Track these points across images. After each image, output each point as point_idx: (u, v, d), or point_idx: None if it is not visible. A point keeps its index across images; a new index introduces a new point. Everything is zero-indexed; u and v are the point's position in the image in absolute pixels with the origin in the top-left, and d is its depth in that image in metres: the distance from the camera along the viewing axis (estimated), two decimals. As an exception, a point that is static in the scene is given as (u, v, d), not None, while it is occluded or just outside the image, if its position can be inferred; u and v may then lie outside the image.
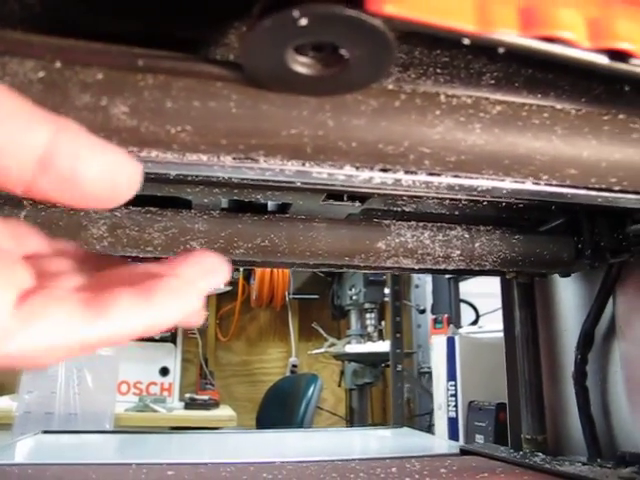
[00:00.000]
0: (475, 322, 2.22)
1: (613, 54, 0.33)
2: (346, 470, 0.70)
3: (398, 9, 0.28)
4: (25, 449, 0.92)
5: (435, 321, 2.15)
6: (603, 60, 0.34)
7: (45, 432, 1.07)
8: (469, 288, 2.33)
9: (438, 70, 0.45)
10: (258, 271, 2.52)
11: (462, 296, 2.32)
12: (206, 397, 2.23)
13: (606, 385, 0.84)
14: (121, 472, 0.68)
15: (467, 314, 2.30)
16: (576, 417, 0.84)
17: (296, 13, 0.29)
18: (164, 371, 2.32)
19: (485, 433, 1.19)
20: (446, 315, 2.11)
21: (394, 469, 0.70)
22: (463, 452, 0.86)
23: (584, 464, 0.72)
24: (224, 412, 2.21)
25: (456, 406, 1.34)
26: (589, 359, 0.84)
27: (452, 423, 1.35)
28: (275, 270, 2.51)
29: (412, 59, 0.44)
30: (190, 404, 2.19)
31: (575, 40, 0.31)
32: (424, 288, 2.69)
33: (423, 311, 2.66)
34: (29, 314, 0.23)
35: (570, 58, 0.34)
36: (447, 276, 2.19)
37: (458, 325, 2.09)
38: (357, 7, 0.29)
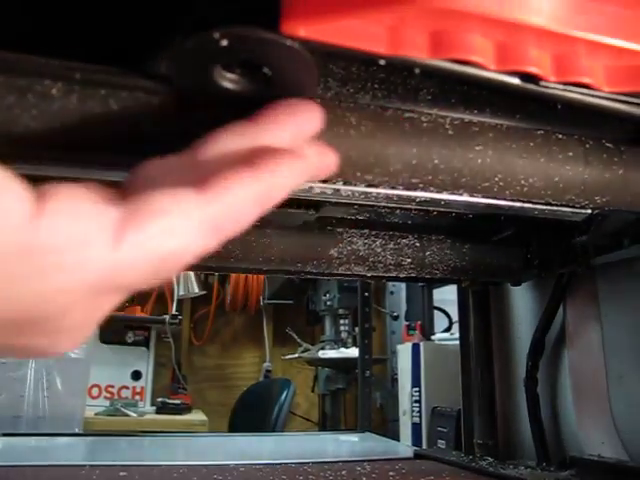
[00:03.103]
0: (448, 329, 2.24)
1: (524, 76, 0.36)
2: (297, 473, 0.71)
3: (312, 32, 0.30)
4: (-18, 451, 0.92)
5: (408, 328, 2.17)
6: (514, 81, 0.36)
7: (5, 435, 1.07)
8: (444, 295, 2.35)
9: (376, 85, 0.47)
10: (233, 275, 2.53)
11: (437, 303, 2.34)
12: (178, 401, 2.22)
13: (555, 392, 0.86)
14: (73, 473, 0.69)
15: (442, 321, 2.32)
16: (527, 422, 0.86)
17: (216, 35, 0.30)
18: (136, 375, 2.32)
19: (447, 438, 1.22)
20: (419, 322, 2.13)
21: (344, 472, 0.72)
22: (417, 456, 0.88)
23: (528, 467, 0.74)
24: (196, 417, 2.21)
25: (420, 412, 1.36)
26: (540, 366, 0.87)
27: (416, 428, 1.37)
28: (250, 275, 2.52)
29: (350, 74, 0.46)
30: (162, 408, 2.18)
31: (482, 63, 0.33)
32: (399, 295, 2.71)
33: (397, 317, 2.68)
34: (137, 209, 0.24)
35: (483, 78, 0.36)
36: (420, 283, 2.21)
37: (431, 332, 2.11)
38: (274, 29, 0.30)
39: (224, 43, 0.31)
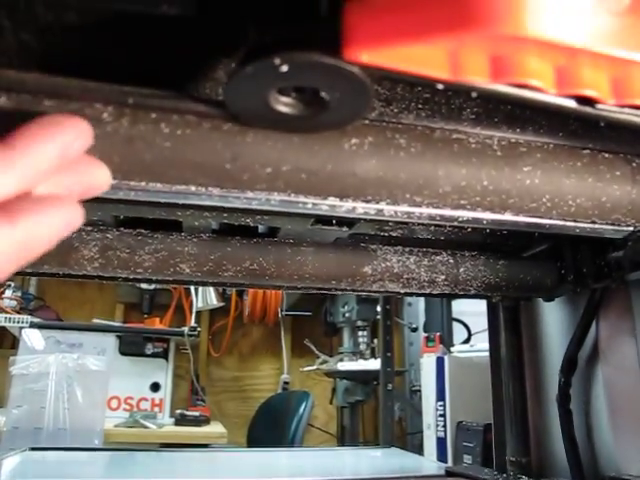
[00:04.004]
0: (467, 341, 2.22)
1: (580, 99, 0.35)
2: (330, 491, 0.71)
3: (374, 58, 0.30)
4: (11, 466, 0.92)
5: (427, 339, 2.16)
6: (571, 104, 0.36)
7: (32, 449, 1.07)
8: (462, 307, 2.33)
9: (419, 105, 0.47)
10: (251, 287, 2.53)
11: (455, 314, 2.32)
12: (197, 413, 2.22)
13: (589, 408, 0.85)
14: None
15: (460, 332, 2.30)
16: (560, 440, 0.85)
17: (277, 60, 0.30)
18: (155, 386, 2.31)
19: (473, 454, 1.20)
20: (438, 333, 2.12)
21: (378, 490, 0.71)
22: (448, 474, 0.87)
23: (565, 487, 0.73)
24: (215, 429, 2.20)
25: (445, 426, 1.34)
26: (573, 382, 0.86)
27: (441, 443, 1.35)
28: (269, 287, 2.52)
29: (394, 94, 0.46)
30: (181, 420, 2.18)
31: (543, 87, 0.32)
32: (417, 306, 2.70)
33: (415, 329, 2.67)
34: None
35: (540, 102, 0.35)
36: (439, 295, 2.19)
37: (450, 344, 2.10)
38: (336, 55, 0.30)
39: (284, 69, 0.31)
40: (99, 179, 0.33)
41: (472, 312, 2.23)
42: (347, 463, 1.20)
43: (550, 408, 0.90)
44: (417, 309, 2.67)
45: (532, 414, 0.92)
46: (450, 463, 1.22)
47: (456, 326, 2.32)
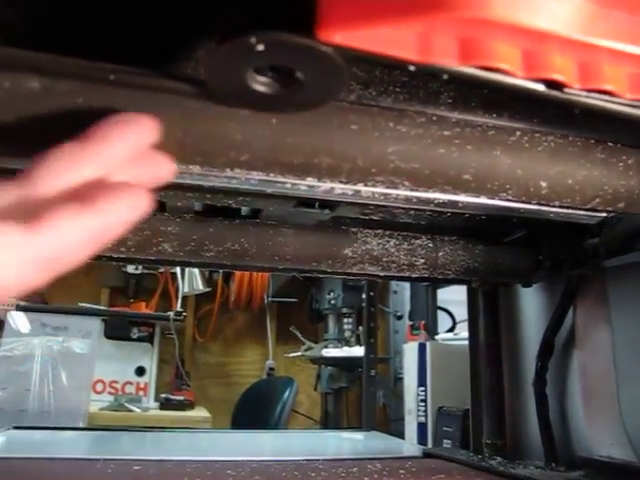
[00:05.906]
0: (452, 329, 2.24)
1: (549, 83, 0.36)
2: (308, 469, 0.72)
3: (346, 39, 0.31)
4: (-5, 444, 0.93)
5: (412, 327, 2.17)
6: (540, 88, 0.37)
7: (16, 427, 1.08)
8: (447, 295, 2.35)
9: (397, 88, 0.48)
10: (237, 273, 2.53)
11: (440, 303, 2.34)
12: (181, 398, 2.23)
13: (564, 392, 0.87)
14: (88, 466, 0.70)
15: (445, 321, 2.32)
16: (535, 423, 0.87)
17: (253, 40, 0.31)
18: (140, 371, 2.32)
19: (453, 438, 1.22)
20: (423, 322, 2.13)
21: (355, 469, 0.73)
22: (425, 455, 0.88)
23: (537, 467, 0.75)
24: (199, 413, 2.22)
25: (425, 411, 1.36)
26: (549, 367, 0.87)
27: (421, 428, 1.37)
28: (254, 272, 2.52)
29: (373, 77, 0.47)
30: (165, 404, 2.19)
31: (510, 70, 0.33)
32: (402, 294, 2.71)
33: (400, 317, 2.69)
34: None
35: (510, 85, 0.37)
36: (425, 283, 2.21)
37: (435, 332, 2.12)
38: (310, 35, 0.31)
39: (260, 48, 0.32)
40: (163, 170, 0.35)
41: (457, 301, 2.25)
42: (327, 445, 1.22)
43: (526, 392, 0.92)
44: (403, 297, 2.69)
45: (508, 398, 0.94)
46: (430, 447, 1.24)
47: (442, 315, 2.34)
